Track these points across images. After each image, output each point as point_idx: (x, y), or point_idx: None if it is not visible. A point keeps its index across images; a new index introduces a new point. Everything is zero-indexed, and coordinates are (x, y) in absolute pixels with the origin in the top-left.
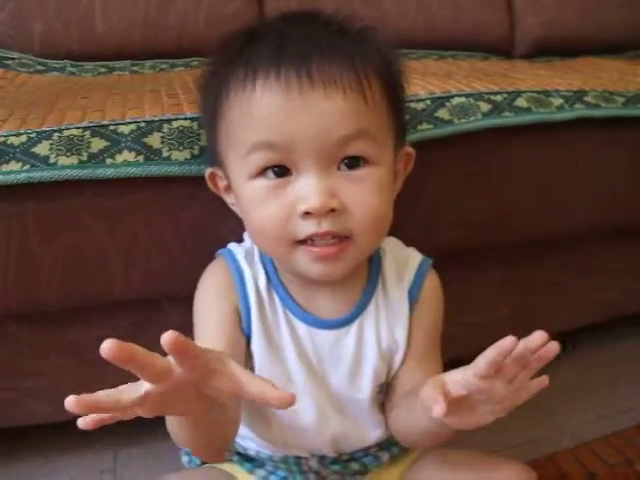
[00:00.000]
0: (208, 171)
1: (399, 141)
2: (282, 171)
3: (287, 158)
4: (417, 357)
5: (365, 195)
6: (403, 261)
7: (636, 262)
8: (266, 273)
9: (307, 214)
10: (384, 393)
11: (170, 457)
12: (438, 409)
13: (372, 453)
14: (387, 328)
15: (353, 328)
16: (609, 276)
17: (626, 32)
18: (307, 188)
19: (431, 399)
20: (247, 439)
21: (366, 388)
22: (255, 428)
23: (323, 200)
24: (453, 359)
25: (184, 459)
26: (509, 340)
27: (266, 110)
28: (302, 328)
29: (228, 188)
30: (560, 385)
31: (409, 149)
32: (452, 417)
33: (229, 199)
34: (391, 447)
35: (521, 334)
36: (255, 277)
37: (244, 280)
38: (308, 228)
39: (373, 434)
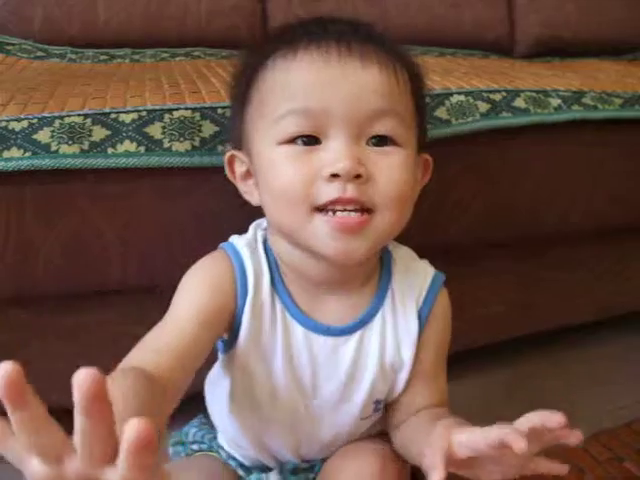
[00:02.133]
0: (228, 154)
1: (420, 143)
2: (311, 141)
3: (319, 126)
4: (424, 376)
5: (391, 169)
6: (415, 274)
7: (632, 261)
8: (270, 272)
9: (333, 177)
10: (382, 412)
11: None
12: (436, 477)
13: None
14: (394, 343)
15: (354, 338)
16: (605, 275)
17: (626, 33)
18: (336, 152)
19: (431, 465)
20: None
21: (358, 400)
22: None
23: (351, 163)
24: (450, 354)
25: (170, 450)
26: (525, 425)
27: (304, 77)
28: (300, 332)
29: (245, 175)
30: (555, 381)
31: (427, 157)
32: (457, 469)
33: (244, 187)
34: None
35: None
36: (258, 276)
37: (246, 279)
38: (332, 191)
39: (343, 440)
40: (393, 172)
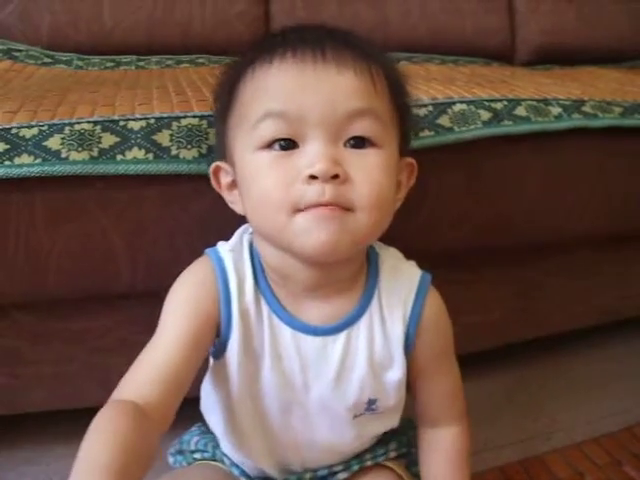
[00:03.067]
0: (213, 165)
1: (403, 145)
2: (289, 145)
3: (296, 130)
4: (428, 375)
5: (369, 170)
6: (402, 274)
7: (631, 268)
8: (254, 276)
9: (312, 178)
10: (382, 411)
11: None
12: None
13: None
14: (382, 341)
15: (342, 337)
16: (604, 281)
17: (625, 41)
18: (313, 154)
19: None
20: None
21: (349, 398)
22: (227, 434)
23: (329, 165)
24: None
25: (170, 460)
26: None
27: (280, 81)
28: (287, 334)
29: (231, 185)
30: (554, 386)
31: (411, 160)
32: None
33: (229, 197)
34: (352, 466)
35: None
36: (241, 280)
37: (228, 284)
38: (312, 195)
39: (344, 444)
40: (371, 173)
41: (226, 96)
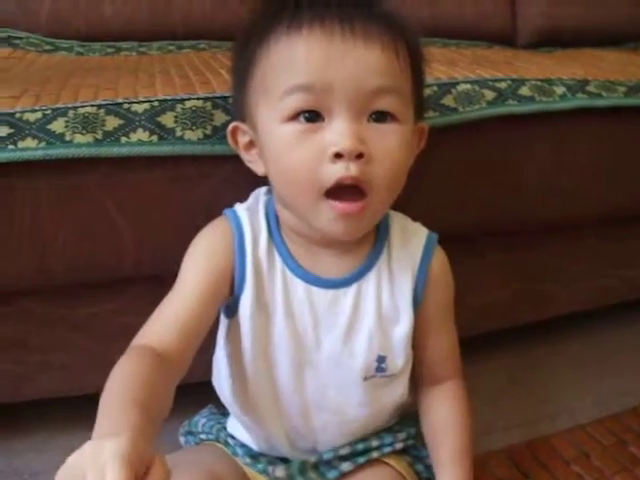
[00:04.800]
0: (231, 125)
1: (418, 114)
2: (314, 117)
3: (322, 102)
4: (433, 330)
5: (390, 149)
6: (410, 233)
7: (636, 249)
8: (269, 231)
9: (337, 156)
10: (392, 382)
11: (168, 438)
12: None
13: (342, 458)
14: (389, 295)
15: (352, 289)
16: (609, 262)
17: (627, 24)
18: (340, 131)
19: None
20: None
21: (360, 354)
22: (234, 399)
23: (354, 143)
24: None
25: (181, 440)
26: None
27: (308, 54)
28: (300, 288)
29: (249, 145)
30: (560, 368)
31: (424, 125)
32: None
33: (247, 157)
34: (358, 457)
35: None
36: (256, 235)
37: (243, 239)
38: (337, 171)
39: (353, 411)
40: (392, 152)
41: (247, 57)
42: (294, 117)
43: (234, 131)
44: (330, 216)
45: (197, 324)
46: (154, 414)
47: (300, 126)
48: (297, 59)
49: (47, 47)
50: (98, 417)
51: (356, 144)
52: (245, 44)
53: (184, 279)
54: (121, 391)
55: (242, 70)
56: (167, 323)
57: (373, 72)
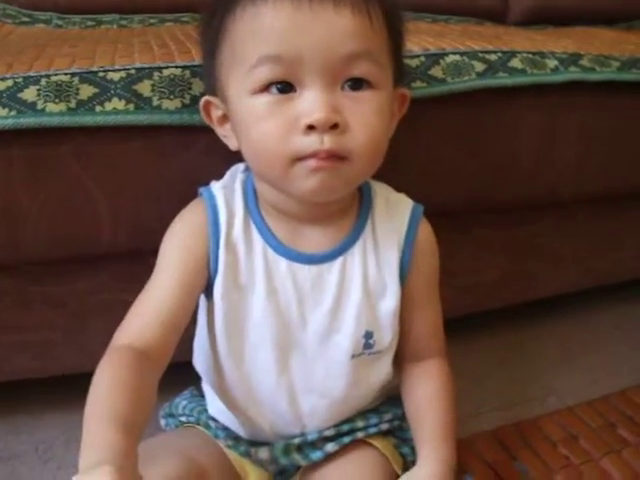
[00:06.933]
0: (203, 100)
1: (397, 78)
2: (286, 87)
3: (293, 73)
4: (419, 304)
5: (367, 116)
6: (394, 203)
7: (628, 230)
8: (247, 209)
9: (310, 128)
10: (372, 350)
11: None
12: None
13: (327, 439)
14: (375, 268)
15: (337, 264)
16: (600, 243)
17: (620, 3)
18: (312, 102)
19: None
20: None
21: (347, 330)
22: (216, 385)
23: (327, 114)
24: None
25: (162, 422)
26: None
27: (275, 22)
28: (283, 265)
29: (222, 119)
30: (548, 349)
31: (405, 91)
32: None
33: (221, 131)
34: (343, 437)
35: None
36: (231, 215)
37: (218, 221)
38: (311, 144)
39: (341, 393)
40: (369, 119)
41: (215, 29)
42: (265, 88)
43: (207, 105)
44: (303, 173)
45: (177, 317)
46: (139, 425)
47: (271, 97)
48: (264, 29)
49: (25, 19)
50: (84, 434)
51: (329, 114)
52: (212, 15)
53: (161, 269)
54: (105, 407)
55: (210, 43)
56: (147, 319)
57: (344, 38)
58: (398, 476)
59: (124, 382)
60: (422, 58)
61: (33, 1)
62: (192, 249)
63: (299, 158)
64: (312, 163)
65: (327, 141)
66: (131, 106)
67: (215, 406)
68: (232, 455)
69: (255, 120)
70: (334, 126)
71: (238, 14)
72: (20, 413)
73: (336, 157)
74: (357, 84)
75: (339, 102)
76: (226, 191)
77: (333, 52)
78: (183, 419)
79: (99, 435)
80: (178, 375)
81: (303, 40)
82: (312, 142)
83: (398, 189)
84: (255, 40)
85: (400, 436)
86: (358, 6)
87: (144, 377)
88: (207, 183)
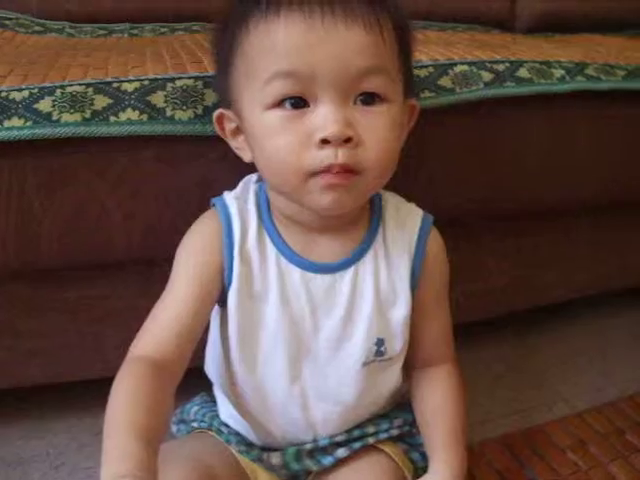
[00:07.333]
0: (216, 113)
1: (407, 90)
2: (299, 103)
3: (306, 88)
4: (429, 312)
5: (379, 130)
6: (405, 213)
7: (633, 236)
8: (260, 220)
9: (324, 142)
10: (383, 357)
11: None
12: None
13: (338, 444)
14: (387, 276)
15: (349, 273)
16: (606, 249)
17: (628, 10)
18: (325, 117)
19: None
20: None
21: (359, 338)
22: (228, 395)
23: (341, 127)
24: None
25: (173, 428)
26: None
27: (288, 38)
28: (296, 275)
29: (235, 131)
30: (555, 355)
31: (414, 102)
32: None
33: (234, 143)
34: (354, 443)
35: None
36: (245, 226)
37: (232, 231)
38: (325, 158)
39: (353, 400)
40: (381, 133)
41: (228, 43)
42: (279, 103)
43: (220, 118)
44: (317, 188)
45: (193, 328)
46: (158, 436)
47: (285, 112)
48: (277, 44)
49: (37, 28)
50: (105, 447)
51: (343, 128)
52: (224, 29)
53: (177, 280)
54: (125, 419)
55: (223, 56)
56: (163, 330)
57: (356, 53)
58: None
59: (143, 393)
60: (431, 68)
61: (46, 10)
62: (207, 260)
63: (314, 173)
64: (326, 179)
65: (341, 155)
66: (145, 117)
67: (227, 412)
68: (244, 460)
69: (269, 135)
70: (348, 140)
71: (251, 28)
72: (31, 418)
73: (350, 172)
74: (369, 98)
75: (352, 116)
76: (239, 202)
77: (346, 68)
78: (195, 425)
79: (120, 447)
80: (189, 381)
81: (316, 56)
82: (326, 156)
83: (407, 197)
84: (268, 56)
85: (410, 442)
86: (370, 21)
87: (162, 388)
88: (220, 193)
